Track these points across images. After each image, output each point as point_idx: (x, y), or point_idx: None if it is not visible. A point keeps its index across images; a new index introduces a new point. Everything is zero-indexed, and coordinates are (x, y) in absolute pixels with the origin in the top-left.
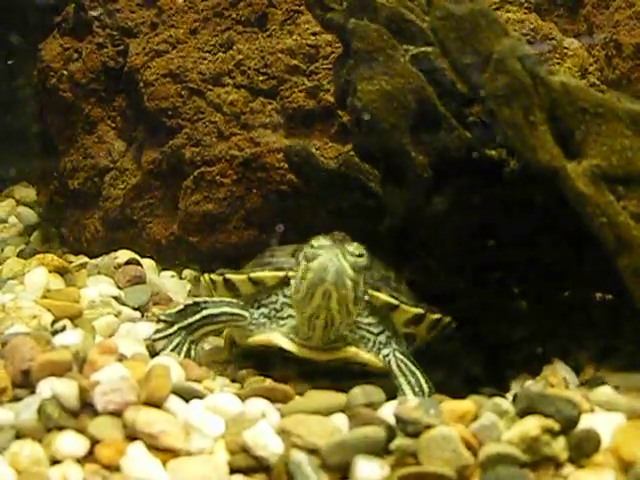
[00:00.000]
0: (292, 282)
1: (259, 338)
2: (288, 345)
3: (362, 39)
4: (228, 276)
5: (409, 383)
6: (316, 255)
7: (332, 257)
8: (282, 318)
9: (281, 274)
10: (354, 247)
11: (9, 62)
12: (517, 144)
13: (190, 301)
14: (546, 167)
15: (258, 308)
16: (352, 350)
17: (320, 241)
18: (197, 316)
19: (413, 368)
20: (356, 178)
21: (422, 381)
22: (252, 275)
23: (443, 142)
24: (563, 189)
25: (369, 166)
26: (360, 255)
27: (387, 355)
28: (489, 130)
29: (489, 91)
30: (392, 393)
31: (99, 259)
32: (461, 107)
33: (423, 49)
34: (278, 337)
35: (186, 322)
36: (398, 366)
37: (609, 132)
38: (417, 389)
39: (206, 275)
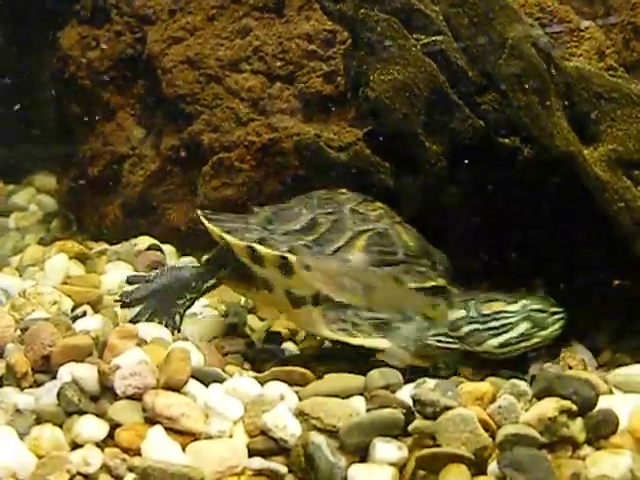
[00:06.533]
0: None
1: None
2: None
3: (373, 29)
4: None
5: None
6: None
7: None
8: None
9: None
10: None
11: (28, 51)
12: (533, 130)
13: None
14: (563, 153)
15: None
16: None
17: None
18: None
19: None
20: (367, 171)
21: None
22: None
23: (456, 130)
24: (580, 174)
25: (380, 158)
26: None
27: None
28: (502, 117)
29: (504, 76)
30: None
31: (119, 245)
32: (473, 95)
33: (434, 38)
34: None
35: None
36: None
37: (624, 117)
38: None
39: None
